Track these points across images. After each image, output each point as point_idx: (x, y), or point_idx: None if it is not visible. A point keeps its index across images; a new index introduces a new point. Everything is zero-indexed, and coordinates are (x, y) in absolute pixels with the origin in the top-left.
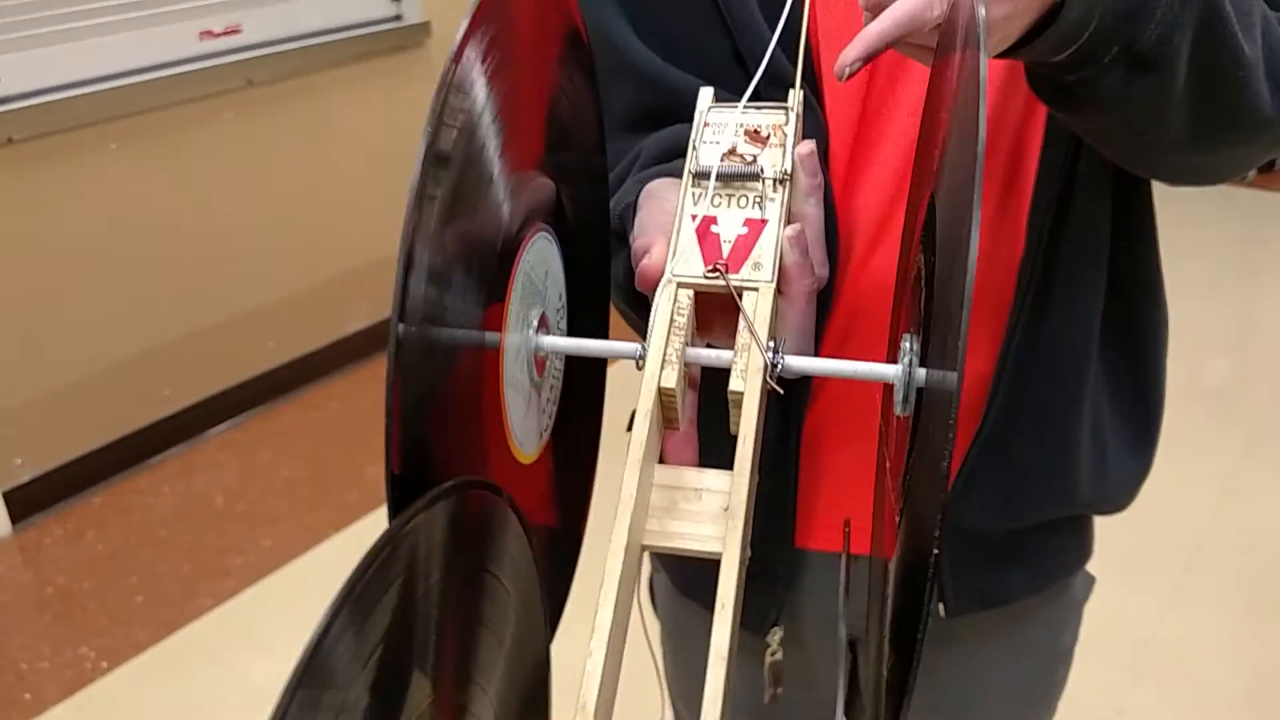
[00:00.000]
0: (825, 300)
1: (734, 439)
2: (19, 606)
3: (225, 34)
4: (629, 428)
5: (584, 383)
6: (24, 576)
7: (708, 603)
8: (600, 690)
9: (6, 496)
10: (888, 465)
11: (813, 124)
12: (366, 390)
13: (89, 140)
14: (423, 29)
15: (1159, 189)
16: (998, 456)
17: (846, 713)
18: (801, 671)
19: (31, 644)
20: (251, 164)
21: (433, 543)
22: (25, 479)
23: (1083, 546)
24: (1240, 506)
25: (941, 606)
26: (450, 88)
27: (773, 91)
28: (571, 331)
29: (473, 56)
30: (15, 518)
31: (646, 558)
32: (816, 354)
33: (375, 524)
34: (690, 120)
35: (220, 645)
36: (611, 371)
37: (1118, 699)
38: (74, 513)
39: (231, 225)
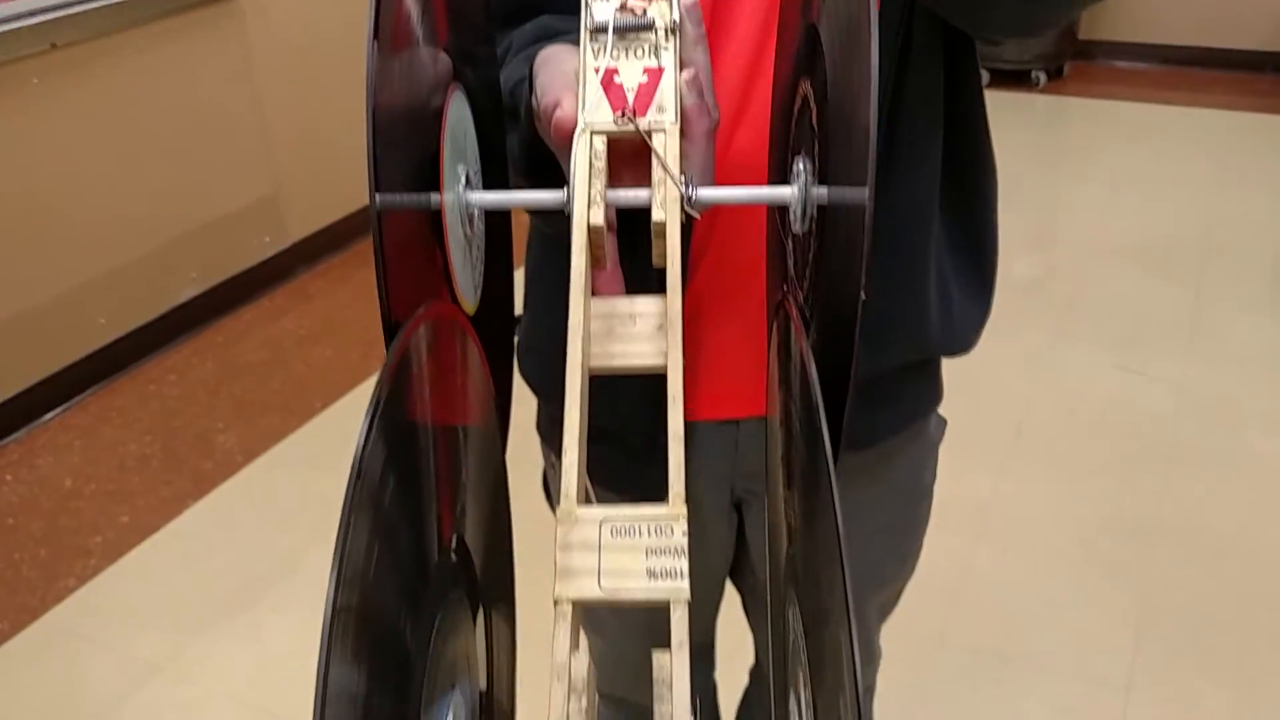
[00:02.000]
0: None
1: (654, 272)
2: None
3: None
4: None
5: (496, 238)
6: None
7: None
8: (578, 480)
9: None
10: (785, 286)
11: None
12: (205, 359)
13: None
14: None
15: None
16: None
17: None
18: (696, 532)
19: None
20: (63, 131)
21: (421, 363)
22: None
23: (935, 389)
24: (1057, 380)
25: None
26: None
27: None
28: None
29: None
30: None
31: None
32: None
33: (234, 489)
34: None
35: (92, 623)
36: None
37: (964, 561)
38: None
39: (47, 198)
